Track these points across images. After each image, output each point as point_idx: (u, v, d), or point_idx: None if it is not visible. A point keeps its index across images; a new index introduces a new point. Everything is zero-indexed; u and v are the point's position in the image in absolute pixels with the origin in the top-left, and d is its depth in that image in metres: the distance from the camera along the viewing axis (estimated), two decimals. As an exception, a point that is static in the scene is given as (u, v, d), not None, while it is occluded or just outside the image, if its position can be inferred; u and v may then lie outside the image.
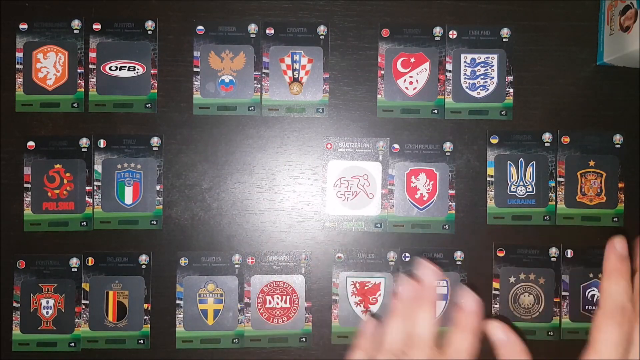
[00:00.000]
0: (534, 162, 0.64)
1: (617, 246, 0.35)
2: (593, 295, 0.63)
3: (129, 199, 0.63)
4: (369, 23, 0.64)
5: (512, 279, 0.63)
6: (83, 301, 0.62)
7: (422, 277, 0.36)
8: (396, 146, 0.63)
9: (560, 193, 0.64)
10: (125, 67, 0.63)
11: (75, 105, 0.63)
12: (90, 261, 0.62)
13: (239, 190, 0.63)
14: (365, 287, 0.63)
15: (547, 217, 0.63)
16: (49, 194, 0.62)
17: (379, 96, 0.63)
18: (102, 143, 0.63)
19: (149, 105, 0.63)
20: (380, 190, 0.63)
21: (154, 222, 0.63)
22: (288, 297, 0.63)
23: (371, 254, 0.63)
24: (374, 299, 0.63)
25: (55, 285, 0.62)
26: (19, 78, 0.63)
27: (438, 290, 0.63)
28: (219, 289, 0.62)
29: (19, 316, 0.62)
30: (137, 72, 0.63)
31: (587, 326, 0.63)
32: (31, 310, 0.62)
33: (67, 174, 0.63)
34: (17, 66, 0.63)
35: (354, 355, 0.36)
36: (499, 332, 0.36)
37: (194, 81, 0.63)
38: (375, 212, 0.63)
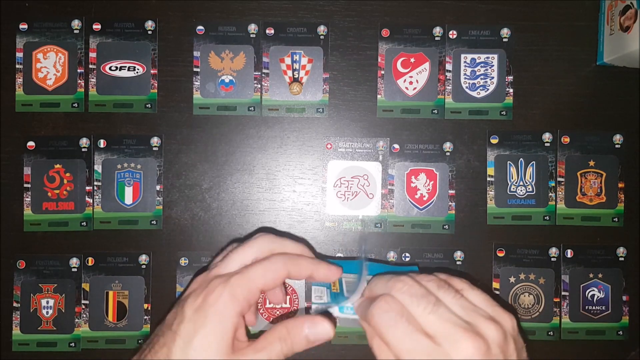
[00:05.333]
0: (534, 162, 0.64)
1: None
2: (593, 295, 0.63)
3: (129, 199, 0.63)
4: (369, 23, 0.64)
5: (512, 279, 0.63)
6: (83, 301, 0.62)
7: None
8: (396, 146, 0.63)
9: (560, 193, 0.64)
10: (125, 67, 0.63)
11: (75, 105, 0.63)
12: (90, 261, 0.62)
13: (239, 190, 0.63)
14: (365, 287, 0.63)
15: (547, 217, 0.63)
16: (49, 194, 0.62)
17: (379, 96, 0.63)
18: (102, 143, 0.63)
19: (149, 105, 0.63)
20: (380, 190, 0.63)
21: (154, 222, 0.63)
22: (288, 297, 0.63)
23: (371, 254, 0.63)
24: (374, 299, 0.63)
25: (55, 285, 0.62)
26: (19, 78, 0.63)
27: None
28: (219, 289, 0.62)
29: (19, 316, 0.62)
30: (137, 72, 0.63)
31: (587, 326, 0.63)
32: (31, 310, 0.62)
33: (67, 174, 0.63)
34: (17, 66, 0.63)
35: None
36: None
37: (194, 81, 0.63)
38: (375, 212, 0.63)
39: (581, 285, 0.63)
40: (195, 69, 0.63)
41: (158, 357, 0.35)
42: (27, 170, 0.62)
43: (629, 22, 0.58)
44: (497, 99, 0.64)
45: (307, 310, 0.63)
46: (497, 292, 0.63)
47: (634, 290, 0.64)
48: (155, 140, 0.63)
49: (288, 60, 0.63)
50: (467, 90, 0.64)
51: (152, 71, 0.63)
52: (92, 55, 0.63)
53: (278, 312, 0.62)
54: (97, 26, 0.63)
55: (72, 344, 0.62)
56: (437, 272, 0.38)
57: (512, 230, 0.64)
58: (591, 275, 0.63)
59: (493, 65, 0.64)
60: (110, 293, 0.62)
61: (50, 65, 0.63)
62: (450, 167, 0.63)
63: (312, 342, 0.37)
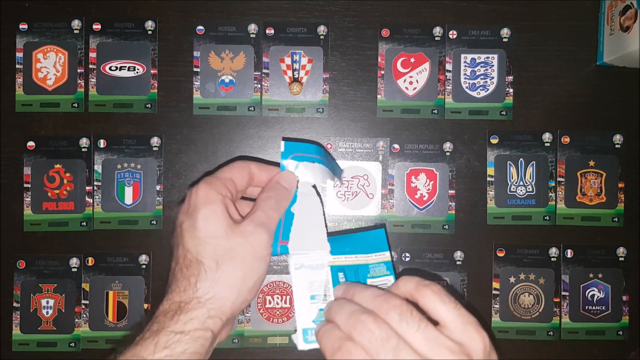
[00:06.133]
0: (534, 162, 0.64)
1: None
2: (593, 295, 0.63)
3: (129, 199, 0.63)
4: (369, 23, 0.64)
5: (512, 279, 0.63)
6: (83, 301, 0.62)
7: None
8: (396, 146, 0.63)
9: (560, 193, 0.64)
10: (125, 67, 0.63)
11: (75, 105, 0.63)
12: (90, 261, 0.62)
13: (239, 190, 0.63)
14: (365, 287, 0.63)
15: (547, 217, 0.63)
16: (49, 194, 0.62)
17: (379, 96, 0.63)
18: (102, 143, 0.63)
19: (149, 105, 0.63)
20: (380, 190, 0.63)
21: (154, 222, 0.63)
22: (288, 297, 0.63)
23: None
24: (374, 299, 0.63)
25: (55, 285, 0.62)
26: (19, 78, 0.63)
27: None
28: (219, 289, 0.62)
29: (19, 316, 0.62)
30: (137, 72, 0.63)
31: (587, 326, 0.63)
32: (31, 310, 0.62)
33: (67, 174, 0.63)
34: (17, 66, 0.63)
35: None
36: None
37: (194, 81, 0.63)
38: (375, 212, 0.63)
39: (581, 285, 0.63)
40: (195, 69, 0.63)
41: (177, 254, 0.40)
42: (27, 170, 0.62)
43: (629, 22, 0.58)
44: (497, 99, 0.64)
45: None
46: (497, 292, 0.63)
47: (634, 290, 0.64)
48: (155, 140, 0.63)
49: (288, 60, 0.63)
50: (467, 90, 0.64)
51: (152, 71, 0.63)
52: (92, 55, 0.63)
53: (278, 312, 0.62)
54: (97, 26, 0.63)
55: (72, 344, 0.62)
56: (406, 275, 0.37)
57: (512, 230, 0.64)
58: (591, 275, 0.63)
59: (493, 65, 0.64)
60: (110, 293, 0.62)
61: (50, 65, 0.63)
62: (450, 167, 0.63)
63: (290, 190, 0.43)
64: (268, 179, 0.44)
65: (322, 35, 0.63)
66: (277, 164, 0.45)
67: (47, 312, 0.62)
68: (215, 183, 0.41)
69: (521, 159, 0.64)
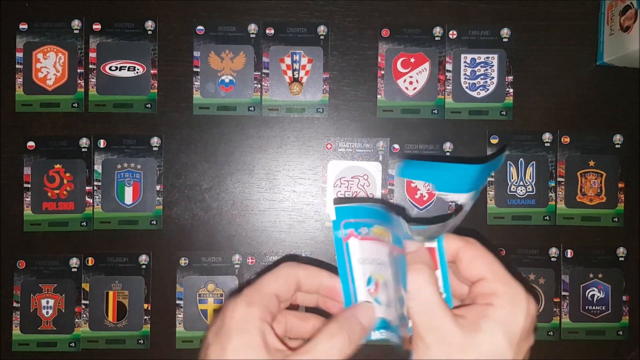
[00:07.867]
0: (534, 162, 0.64)
1: None
2: (593, 296, 0.63)
3: (128, 199, 0.63)
4: (369, 23, 0.64)
5: (512, 279, 0.63)
6: (83, 301, 0.62)
7: None
8: (396, 146, 0.63)
9: (560, 193, 0.63)
10: (125, 67, 0.63)
11: (75, 105, 0.63)
12: (90, 261, 0.62)
13: (239, 190, 0.63)
14: (365, 287, 0.63)
15: (547, 217, 0.63)
16: (49, 194, 0.62)
17: (379, 96, 0.63)
18: (102, 143, 0.63)
19: (148, 105, 0.63)
20: (380, 191, 0.63)
21: (154, 222, 0.63)
22: (288, 297, 0.63)
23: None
24: (374, 299, 0.63)
25: (55, 285, 0.62)
26: (19, 78, 0.63)
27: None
28: (219, 289, 0.62)
29: (19, 316, 0.62)
30: (137, 72, 0.63)
31: (587, 326, 0.63)
32: (31, 311, 0.62)
33: (67, 174, 0.63)
34: (17, 66, 0.63)
35: None
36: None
37: (194, 81, 0.63)
38: (375, 212, 0.63)
39: (581, 285, 0.63)
40: (195, 69, 0.63)
41: None
42: (27, 170, 0.62)
43: (629, 22, 0.58)
44: (497, 99, 0.64)
45: (307, 310, 0.62)
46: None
47: (634, 290, 0.63)
48: (155, 140, 0.63)
49: (288, 60, 0.63)
50: (467, 90, 0.64)
51: (152, 71, 0.63)
52: (92, 55, 0.63)
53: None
54: (97, 26, 0.63)
55: (72, 344, 0.62)
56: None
57: (512, 230, 0.64)
58: (591, 275, 0.63)
59: (493, 65, 0.64)
60: (110, 293, 0.62)
61: (50, 65, 0.63)
62: (450, 167, 0.63)
63: (367, 328, 0.35)
64: (318, 286, 0.37)
65: (322, 35, 0.63)
66: (328, 266, 0.38)
67: (47, 312, 0.62)
68: (256, 302, 0.34)
69: (521, 159, 0.64)
